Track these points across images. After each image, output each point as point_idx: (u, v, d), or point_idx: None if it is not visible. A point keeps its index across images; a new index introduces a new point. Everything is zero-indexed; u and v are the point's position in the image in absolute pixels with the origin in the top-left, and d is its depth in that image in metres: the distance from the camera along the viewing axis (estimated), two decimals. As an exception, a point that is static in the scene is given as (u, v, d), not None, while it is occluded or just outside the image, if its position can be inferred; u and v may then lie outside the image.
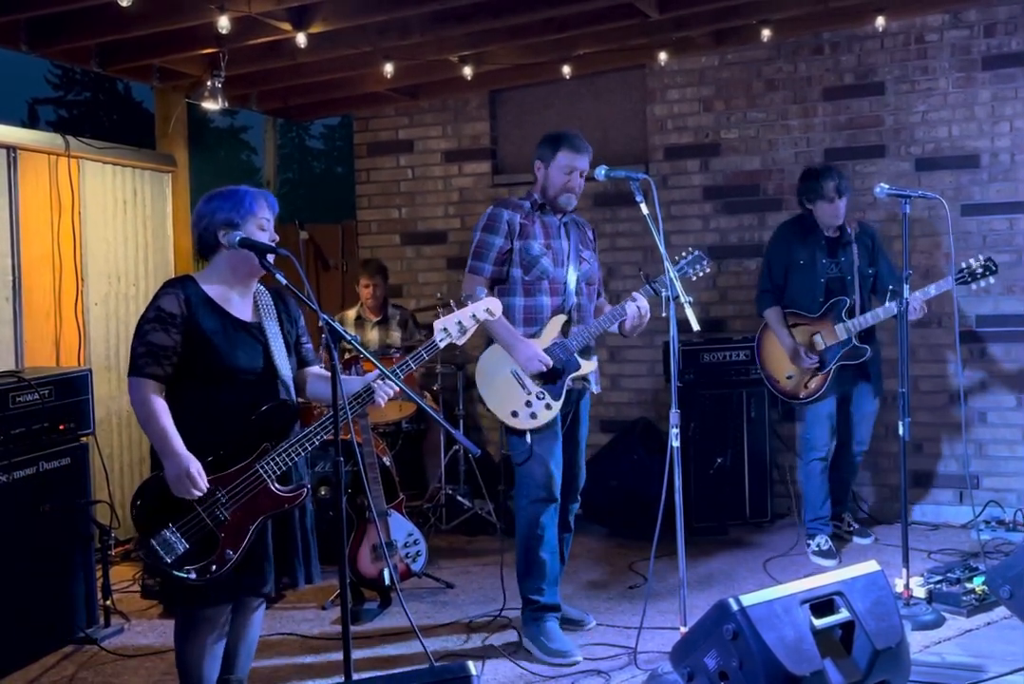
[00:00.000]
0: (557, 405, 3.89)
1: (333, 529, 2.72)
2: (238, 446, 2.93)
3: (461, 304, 3.18)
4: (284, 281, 2.85)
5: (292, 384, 3.07)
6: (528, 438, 3.88)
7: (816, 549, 4.93)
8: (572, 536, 4.22)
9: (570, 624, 4.04)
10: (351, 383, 3.08)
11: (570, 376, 3.91)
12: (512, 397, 3.87)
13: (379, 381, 3.02)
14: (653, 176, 6.13)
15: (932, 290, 4.65)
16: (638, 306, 3.87)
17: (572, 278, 3.99)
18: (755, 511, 5.60)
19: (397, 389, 3.06)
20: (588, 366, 3.98)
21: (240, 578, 2.93)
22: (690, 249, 4.07)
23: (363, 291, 6.04)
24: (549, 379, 3.87)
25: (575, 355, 3.92)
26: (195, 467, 2.85)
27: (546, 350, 3.87)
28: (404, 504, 4.58)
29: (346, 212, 6.98)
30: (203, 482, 2.85)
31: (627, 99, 6.34)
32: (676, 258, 3.96)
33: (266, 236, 3.00)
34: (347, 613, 2.71)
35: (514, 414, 3.87)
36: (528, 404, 3.87)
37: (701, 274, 4.07)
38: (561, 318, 3.95)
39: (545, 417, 3.88)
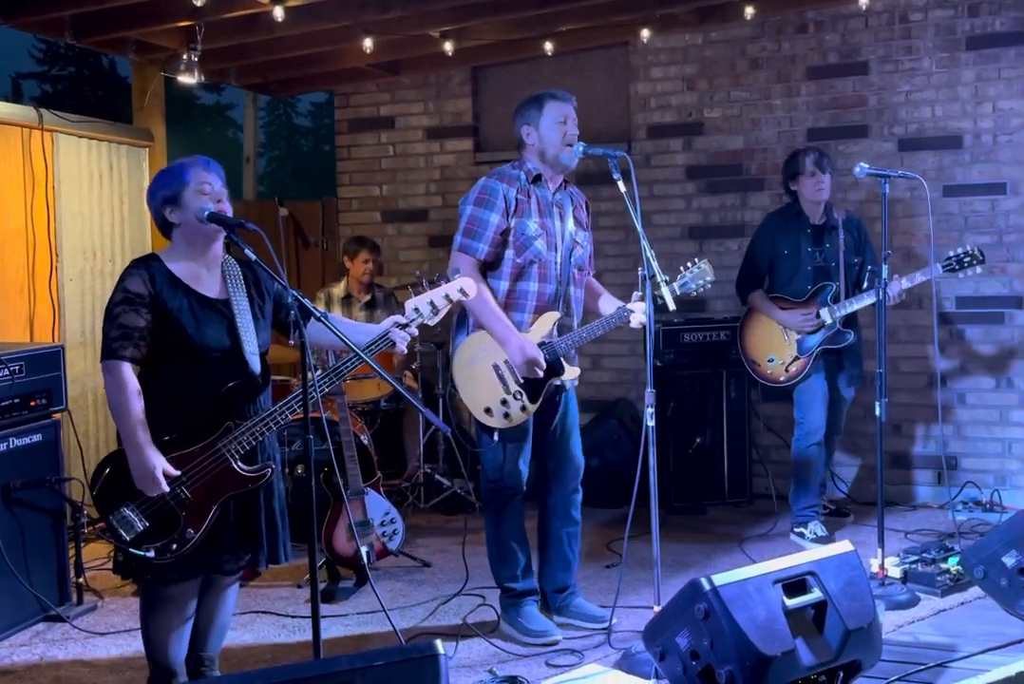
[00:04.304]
0: (532, 408, 3.72)
1: (309, 507, 2.69)
2: (202, 424, 2.89)
3: (434, 284, 3.12)
4: (254, 256, 2.82)
5: (260, 359, 3.02)
6: (496, 436, 3.73)
7: (813, 536, 4.82)
8: (580, 529, 3.96)
9: (586, 620, 3.88)
10: (365, 332, 3.06)
11: (552, 380, 3.75)
12: (488, 392, 3.70)
13: (395, 328, 3.03)
14: (636, 155, 6.12)
15: (919, 277, 4.64)
16: (640, 322, 3.64)
17: (564, 264, 3.79)
18: (734, 491, 5.60)
19: (416, 335, 3.10)
20: (572, 372, 3.81)
21: (201, 556, 2.91)
22: (695, 260, 3.76)
23: (361, 266, 5.94)
24: (531, 381, 3.69)
25: (560, 359, 3.75)
26: (160, 468, 2.81)
27: None
28: (382, 483, 4.56)
29: (332, 189, 6.94)
30: (165, 484, 2.82)
31: (610, 77, 6.29)
32: (682, 269, 3.74)
33: (209, 199, 2.93)
34: (317, 592, 2.70)
35: (487, 411, 3.70)
36: (504, 402, 3.68)
37: (703, 290, 3.75)
38: (554, 315, 3.76)
39: (518, 419, 3.71)
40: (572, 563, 3.96)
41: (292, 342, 3.19)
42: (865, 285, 4.85)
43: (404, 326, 3.06)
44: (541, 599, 3.95)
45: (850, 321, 4.89)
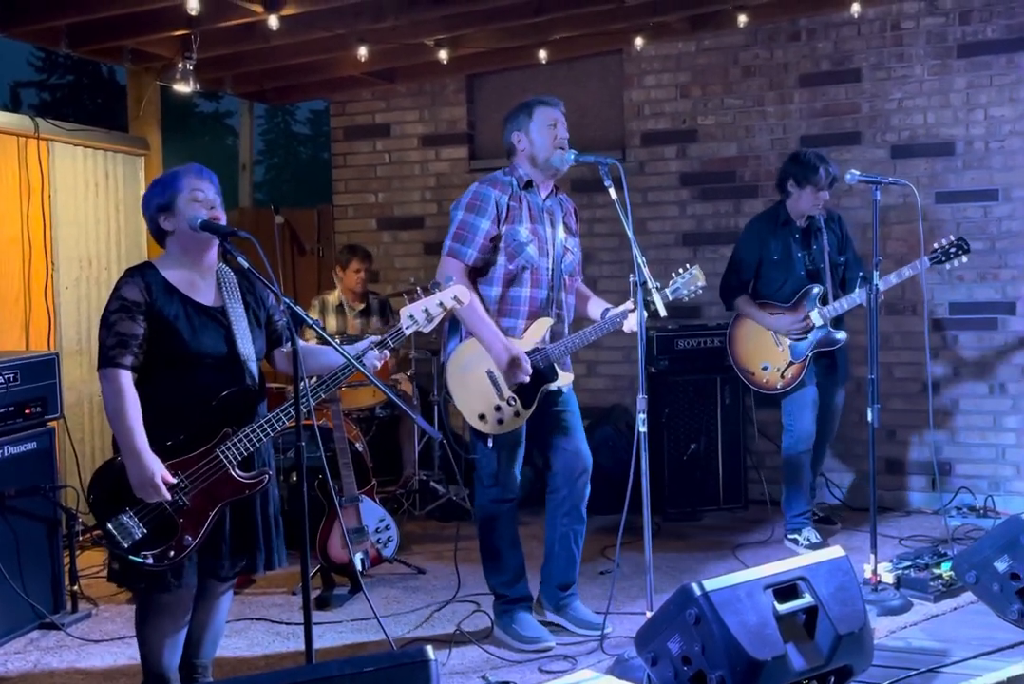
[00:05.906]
0: (526, 414, 3.74)
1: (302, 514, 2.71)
2: (199, 430, 2.91)
3: (428, 291, 3.13)
4: (246, 264, 2.83)
5: (257, 366, 3.04)
6: (490, 442, 3.75)
7: (807, 543, 4.80)
8: (584, 527, 3.96)
9: (581, 626, 3.89)
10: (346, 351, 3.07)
11: (545, 386, 3.76)
12: (483, 399, 3.71)
13: (373, 348, 3.07)
14: (630, 162, 6.14)
15: (907, 271, 4.61)
16: (632, 328, 3.64)
17: (555, 270, 3.81)
18: (729, 497, 5.62)
19: (387, 356, 3.13)
20: (565, 378, 3.82)
21: (198, 562, 2.92)
22: (686, 266, 3.78)
23: (353, 276, 5.95)
24: (525, 387, 3.71)
25: (554, 364, 3.76)
26: (159, 474, 2.83)
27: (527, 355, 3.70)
28: (377, 490, 4.57)
29: (329, 197, 6.96)
30: (166, 491, 2.84)
31: (604, 84, 6.32)
32: (673, 275, 3.76)
33: (202, 206, 2.95)
34: (308, 599, 2.72)
35: (481, 417, 3.71)
36: (497, 409, 3.70)
37: (694, 295, 3.76)
38: (547, 321, 3.78)
39: (512, 425, 3.73)
40: (576, 561, 3.97)
41: (276, 364, 3.22)
42: (851, 286, 4.81)
43: (382, 344, 3.07)
44: (541, 595, 3.96)
45: (837, 322, 4.87)
